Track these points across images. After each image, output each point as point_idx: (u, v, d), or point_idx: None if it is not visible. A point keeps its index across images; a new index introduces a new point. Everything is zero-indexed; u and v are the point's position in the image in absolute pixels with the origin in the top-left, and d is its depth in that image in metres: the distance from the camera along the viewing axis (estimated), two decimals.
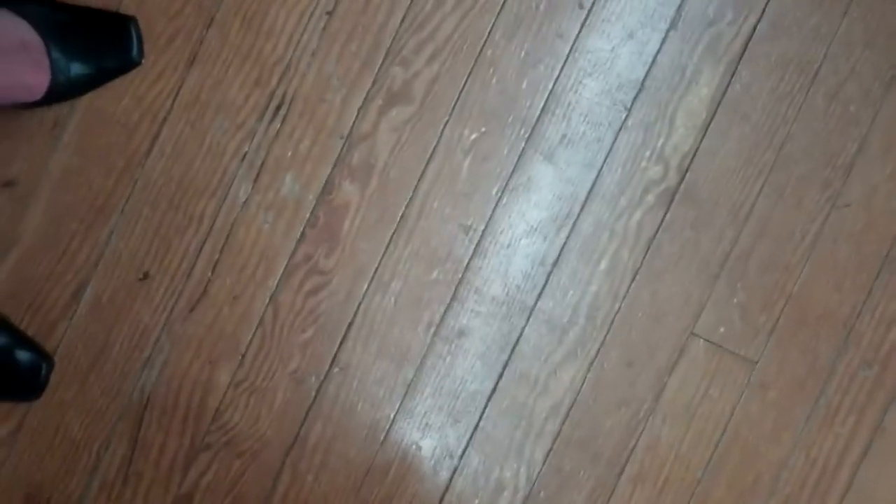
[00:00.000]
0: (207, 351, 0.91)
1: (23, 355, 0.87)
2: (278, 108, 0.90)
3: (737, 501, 0.96)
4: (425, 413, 0.93)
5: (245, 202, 0.90)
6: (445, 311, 0.93)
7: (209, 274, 0.90)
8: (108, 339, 0.90)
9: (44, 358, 0.88)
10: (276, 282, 0.91)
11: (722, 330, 0.95)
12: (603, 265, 0.94)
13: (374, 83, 0.91)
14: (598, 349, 0.94)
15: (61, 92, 0.83)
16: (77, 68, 0.84)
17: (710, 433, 0.96)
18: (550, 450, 0.94)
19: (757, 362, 0.96)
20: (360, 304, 0.92)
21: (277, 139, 0.91)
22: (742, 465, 0.96)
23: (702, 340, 0.95)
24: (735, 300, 0.95)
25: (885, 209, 0.96)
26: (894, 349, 0.97)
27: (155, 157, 0.90)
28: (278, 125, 0.90)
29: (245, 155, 0.90)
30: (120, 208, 0.90)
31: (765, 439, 0.96)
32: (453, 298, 0.93)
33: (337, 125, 0.91)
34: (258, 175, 0.91)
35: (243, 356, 0.91)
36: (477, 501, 0.94)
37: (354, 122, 0.91)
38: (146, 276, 0.90)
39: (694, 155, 0.94)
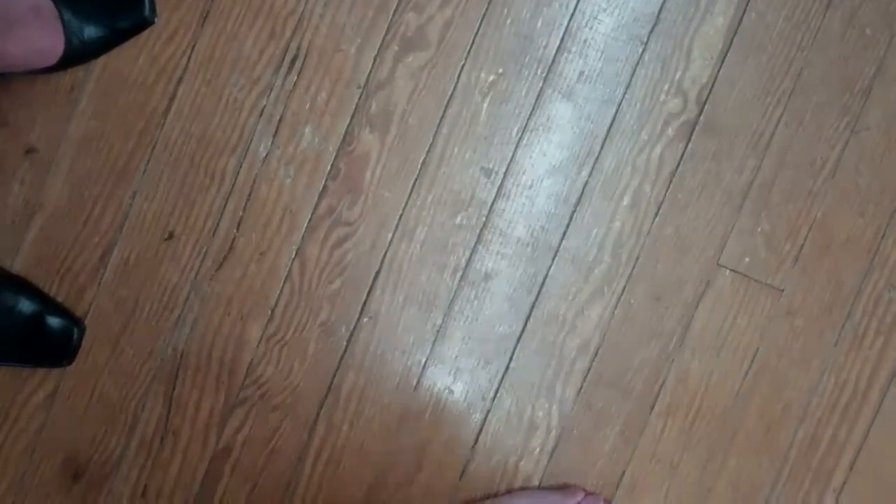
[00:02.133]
0: (237, 307, 0.94)
1: (54, 321, 0.91)
2: (293, 60, 0.93)
3: (768, 429, 1.00)
4: (456, 357, 0.97)
5: (265, 157, 0.93)
6: (471, 255, 0.96)
7: (234, 231, 0.93)
8: (137, 300, 0.93)
9: (75, 323, 0.91)
10: (300, 235, 0.94)
11: (747, 260, 0.98)
12: (626, 201, 0.97)
13: (388, 30, 0.93)
14: (625, 285, 0.98)
15: (76, 55, 0.86)
16: (90, 30, 0.86)
17: (738, 363, 0.99)
18: (581, 388, 0.98)
19: (783, 290, 0.99)
20: (385, 253, 0.95)
21: (294, 92, 0.93)
22: (772, 393, 1.00)
23: (728, 271, 0.98)
24: (759, 229, 0.98)
25: None
26: None
27: (173, 117, 0.92)
28: (294, 78, 0.93)
29: (263, 110, 0.93)
30: (141, 169, 0.93)
31: (793, 366, 1.00)
32: (478, 242, 0.96)
33: (353, 75, 0.93)
34: (277, 129, 0.93)
35: (273, 310, 0.94)
36: (511, 441, 0.98)
37: (370, 70, 0.93)
38: (171, 235, 0.93)
39: (712, 86, 0.97)
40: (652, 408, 0.98)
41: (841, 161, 0.98)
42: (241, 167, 0.92)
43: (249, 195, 0.92)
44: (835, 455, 1.01)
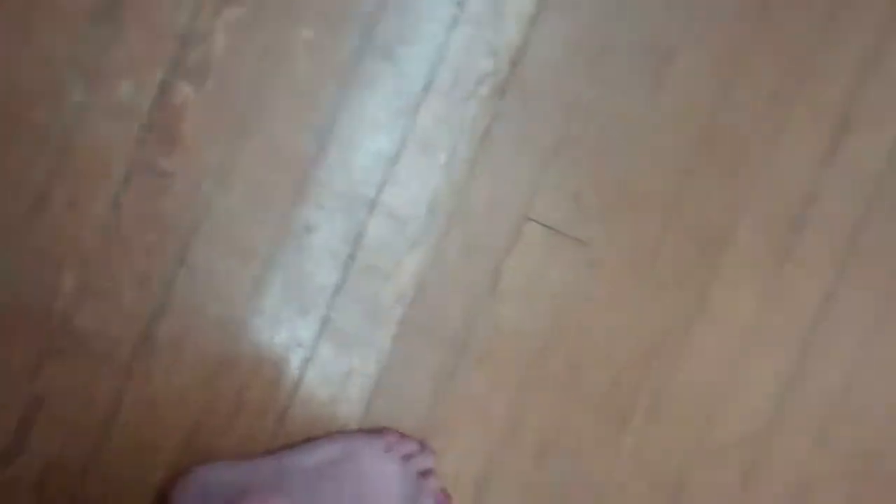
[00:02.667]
0: (51, 256, 0.95)
1: None
2: (110, 10, 0.93)
3: (573, 373, 1.07)
4: (274, 307, 1.00)
5: (80, 107, 0.93)
6: (290, 208, 0.98)
7: (49, 179, 0.94)
8: None
9: None
10: (116, 186, 0.95)
11: (555, 214, 1.05)
12: (441, 157, 1.01)
13: None
14: (440, 239, 1.02)
15: None
16: None
17: (545, 311, 1.06)
18: (397, 336, 1.03)
19: (589, 243, 1.06)
20: (204, 205, 0.97)
21: (111, 42, 0.93)
22: (576, 339, 1.07)
23: (537, 224, 1.04)
24: (567, 184, 1.04)
25: (703, 90, 1.06)
26: (714, 223, 1.09)
27: None
28: (111, 28, 0.93)
29: (77, 59, 0.93)
30: None
31: (598, 315, 1.07)
32: (298, 195, 0.99)
33: (171, 25, 0.94)
34: (92, 79, 0.93)
35: (87, 260, 0.95)
36: (329, 388, 1.02)
37: (189, 22, 0.94)
38: None
39: (524, 47, 1.02)
40: (464, 354, 1.04)
41: (645, 117, 1.04)
42: (55, 118, 0.92)
43: (64, 146, 0.92)
44: (635, 399, 1.09)
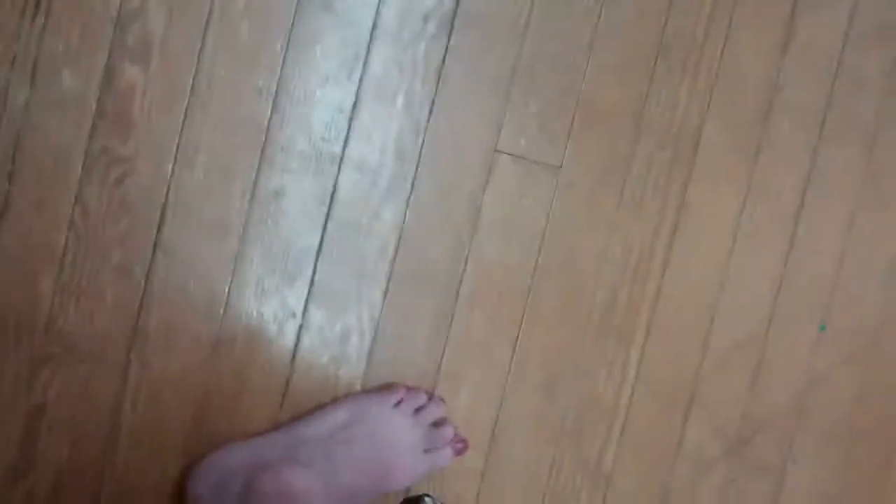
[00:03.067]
0: (24, 263, 0.93)
1: None
2: (38, 2, 0.91)
3: (567, 298, 1.06)
4: (259, 280, 0.98)
5: (26, 106, 0.92)
6: (257, 175, 0.97)
7: (7, 186, 0.92)
8: None
9: None
10: (77, 180, 0.93)
11: (523, 142, 1.04)
12: (399, 102, 1.00)
13: None
14: (412, 184, 1.01)
15: None
16: None
17: (530, 241, 1.05)
18: (387, 289, 1.02)
19: (560, 166, 1.05)
20: (169, 185, 0.95)
21: (45, 34, 0.92)
22: (565, 264, 1.06)
23: (506, 156, 1.03)
24: (530, 111, 1.03)
25: None
26: (682, 128, 1.08)
27: None
28: (43, 19, 0.91)
29: (15, 58, 0.91)
30: None
31: (581, 236, 1.06)
32: (262, 161, 0.97)
33: (104, 8, 0.93)
34: (33, 76, 0.92)
35: (62, 261, 0.93)
36: (328, 353, 1.00)
37: (121, 1, 0.93)
38: None
39: None
40: (457, 297, 1.03)
41: (596, 33, 1.04)
42: (1, 119, 0.90)
43: (16, 147, 0.91)
44: (633, 314, 1.09)
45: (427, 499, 0.66)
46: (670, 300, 1.10)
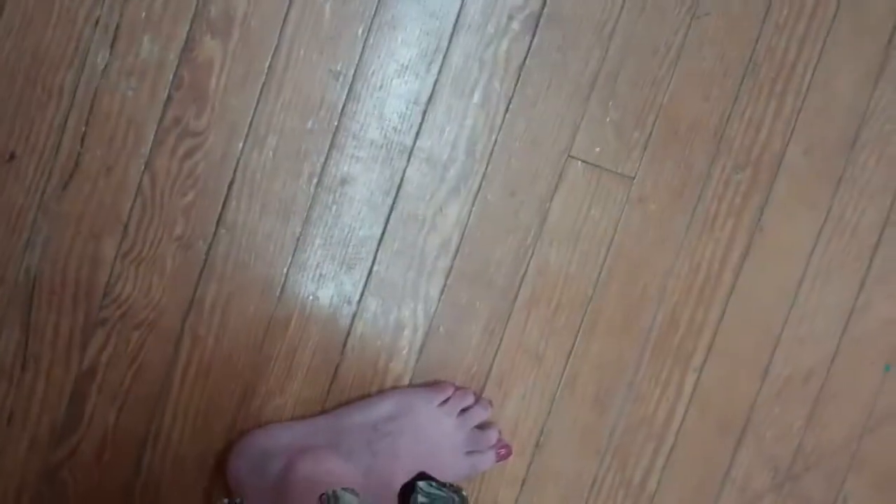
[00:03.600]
0: (88, 226, 0.93)
1: None
2: None
3: (627, 313, 1.04)
4: (318, 264, 0.98)
5: (105, 70, 0.92)
6: (325, 160, 0.96)
7: (78, 147, 0.92)
8: None
9: None
10: (148, 148, 0.93)
11: (598, 150, 1.01)
12: (476, 98, 0.99)
13: None
14: (481, 182, 1.00)
15: None
16: None
17: (595, 251, 1.03)
18: (444, 285, 1.00)
19: (634, 177, 1.02)
20: (238, 162, 0.95)
21: (129, 1, 0.92)
22: (629, 278, 1.04)
23: (579, 162, 1.01)
24: (608, 119, 1.01)
25: (743, 14, 1.02)
26: (764, 150, 1.05)
27: (3, 32, 0.90)
28: None
29: (98, 20, 0.91)
30: None
31: (648, 251, 1.04)
32: (332, 146, 0.96)
33: None
34: (114, 40, 0.92)
35: (126, 227, 0.94)
36: (379, 343, 1.00)
37: None
38: (13, 156, 0.91)
39: None
40: (514, 301, 1.01)
41: (684, 46, 1.01)
42: (79, 81, 0.91)
43: (91, 109, 0.91)
44: (693, 336, 1.06)
45: (421, 483, 0.65)
46: (733, 325, 1.07)
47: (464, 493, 0.66)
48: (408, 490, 0.65)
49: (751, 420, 1.09)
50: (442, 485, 0.66)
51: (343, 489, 0.68)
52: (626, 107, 1.01)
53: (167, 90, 0.93)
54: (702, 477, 1.09)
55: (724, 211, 1.05)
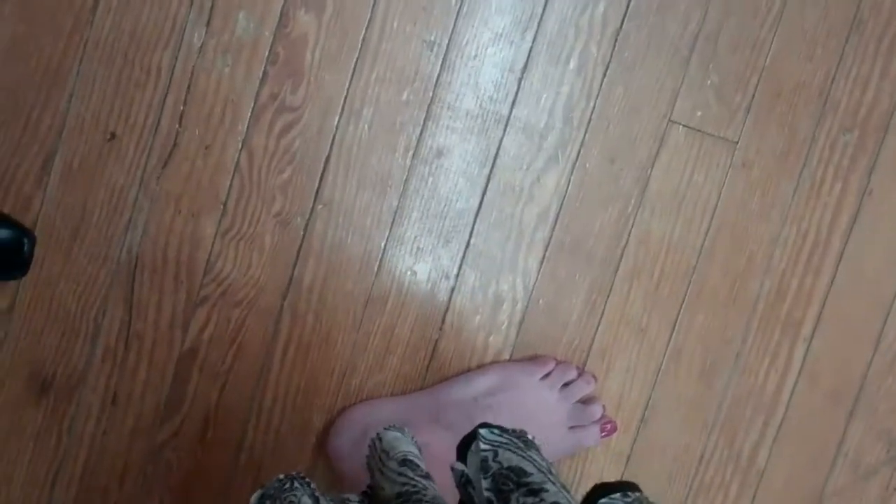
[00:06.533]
0: (188, 204, 0.94)
1: (2, 233, 0.91)
2: None
3: (733, 284, 1.02)
4: (415, 238, 0.98)
5: (201, 48, 0.93)
6: (421, 132, 0.96)
7: (176, 126, 0.93)
8: (85, 205, 0.93)
9: (24, 233, 0.91)
10: (245, 125, 0.94)
11: (699, 114, 0.99)
12: (572, 64, 0.97)
13: None
14: (579, 150, 0.98)
15: None
16: None
17: (699, 219, 1.01)
18: (544, 257, 0.99)
19: (737, 142, 1.00)
20: (334, 137, 0.95)
21: None
22: (734, 247, 1.02)
23: (680, 127, 0.99)
24: (708, 82, 0.99)
25: None
26: (871, 111, 1.02)
27: (102, 13, 0.91)
28: None
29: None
30: (75, 71, 0.92)
31: (754, 218, 1.01)
32: (427, 118, 0.96)
33: None
34: (210, 18, 0.93)
35: (224, 205, 0.95)
36: (478, 317, 0.99)
37: None
38: (113, 136, 0.93)
39: None
40: (616, 272, 1.00)
41: (786, 6, 0.98)
42: (176, 60, 0.92)
43: (188, 88, 0.92)
44: (802, 305, 1.03)
45: (482, 430, 0.63)
46: (843, 293, 1.04)
47: (529, 436, 0.65)
48: (468, 440, 0.64)
49: (863, 391, 1.06)
50: (504, 430, 0.65)
51: (386, 428, 0.68)
52: (727, 69, 0.99)
53: (263, 66, 0.93)
54: (813, 451, 1.06)
55: (831, 174, 1.02)
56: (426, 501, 0.56)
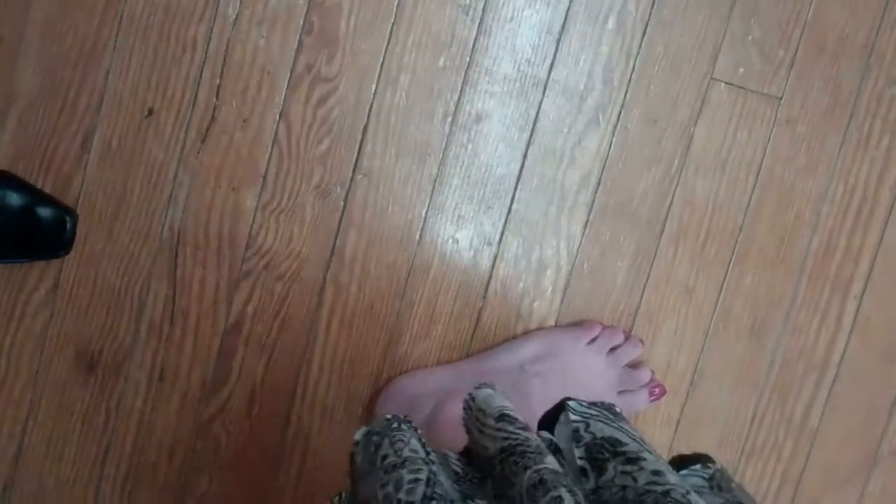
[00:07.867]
0: (228, 178, 0.94)
1: (45, 212, 0.91)
2: None
3: (780, 242, 1.01)
4: (456, 205, 0.97)
5: (235, 20, 0.93)
6: (459, 98, 0.95)
7: (214, 100, 0.93)
8: (126, 182, 0.94)
9: (66, 212, 0.92)
10: (282, 97, 0.94)
11: (741, 70, 0.98)
12: (611, 23, 0.96)
13: None
14: (620, 111, 0.97)
15: None
16: None
17: (744, 178, 1.00)
18: (587, 221, 0.99)
19: (781, 97, 0.99)
20: (371, 106, 0.95)
21: None
22: (781, 205, 1.00)
23: (723, 84, 0.98)
24: (750, 37, 0.98)
25: None
26: None
27: None
28: None
29: None
30: (111, 47, 0.92)
31: (800, 175, 1.00)
32: (465, 83, 0.95)
33: None
34: None
35: (264, 178, 0.95)
36: (522, 284, 0.98)
37: None
38: (151, 112, 0.93)
39: None
40: (661, 233, 0.99)
41: None
42: (211, 33, 0.91)
43: (224, 61, 0.92)
44: (852, 261, 1.02)
45: (571, 402, 0.63)
46: (893, 248, 1.02)
47: (616, 408, 0.65)
48: (554, 413, 0.63)
49: None
50: (592, 403, 0.65)
51: (477, 387, 0.68)
52: (769, 23, 0.97)
53: (298, 36, 0.93)
54: (867, 410, 1.05)
55: (878, 128, 1.00)
56: (531, 452, 0.56)
